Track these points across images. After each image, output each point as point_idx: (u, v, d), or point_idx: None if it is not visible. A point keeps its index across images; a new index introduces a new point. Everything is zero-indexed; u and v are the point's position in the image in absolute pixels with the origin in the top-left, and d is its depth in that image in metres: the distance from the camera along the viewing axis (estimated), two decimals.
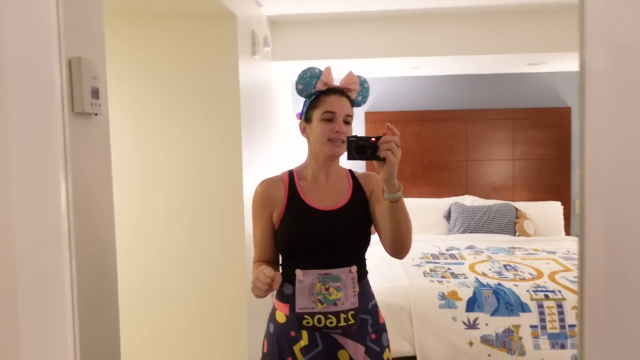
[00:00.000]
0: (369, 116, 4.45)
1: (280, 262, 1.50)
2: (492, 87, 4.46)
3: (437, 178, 4.44)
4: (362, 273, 1.47)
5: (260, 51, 3.08)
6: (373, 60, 3.65)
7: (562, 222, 4.17)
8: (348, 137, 1.28)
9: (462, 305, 2.57)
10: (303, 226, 1.41)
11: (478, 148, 4.43)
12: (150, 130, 2.55)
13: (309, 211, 1.42)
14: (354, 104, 1.51)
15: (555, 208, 4.22)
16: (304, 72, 1.47)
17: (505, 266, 3.05)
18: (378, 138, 1.24)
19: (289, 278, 1.42)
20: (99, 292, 1.14)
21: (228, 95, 2.53)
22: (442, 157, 4.41)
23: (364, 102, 1.55)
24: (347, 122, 1.44)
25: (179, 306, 2.58)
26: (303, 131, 1.50)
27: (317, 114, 1.44)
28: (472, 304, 2.57)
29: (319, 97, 1.45)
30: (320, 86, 1.46)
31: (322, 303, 1.36)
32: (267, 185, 1.48)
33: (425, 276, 2.89)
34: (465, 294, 2.62)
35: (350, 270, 1.39)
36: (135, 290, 2.58)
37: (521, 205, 4.20)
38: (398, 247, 1.36)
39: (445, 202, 4.26)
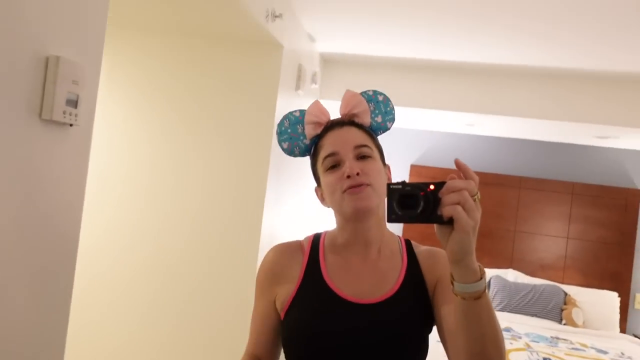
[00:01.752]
0: (415, 170, 4.20)
1: None
2: (552, 156, 4.12)
3: (479, 246, 4.00)
4: None
5: (306, 87, 2.94)
6: (426, 111, 3.44)
7: (617, 316, 3.68)
8: (389, 184, 0.76)
9: None
10: (319, 322, 0.94)
11: (529, 219, 4.06)
12: (172, 153, 2.42)
13: (332, 301, 0.95)
14: (376, 129, 1.06)
15: (611, 299, 3.74)
16: (280, 123, 1.04)
17: None
18: (440, 185, 0.74)
19: None
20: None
21: (261, 127, 2.38)
22: (487, 224, 4.05)
23: (390, 120, 1.06)
24: (363, 155, 0.97)
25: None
26: (322, 199, 1.05)
27: (320, 167, 1.01)
28: None
29: (317, 145, 1.03)
30: (311, 130, 1.03)
31: None
32: (281, 252, 1.04)
33: None
34: None
35: None
36: (133, 318, 2.39)
37: (571, 290, 3.75)
38: None
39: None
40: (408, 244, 1.05)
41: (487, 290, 0.77)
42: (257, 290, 1.05)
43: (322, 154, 1.00)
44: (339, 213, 1.00)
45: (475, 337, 0.78)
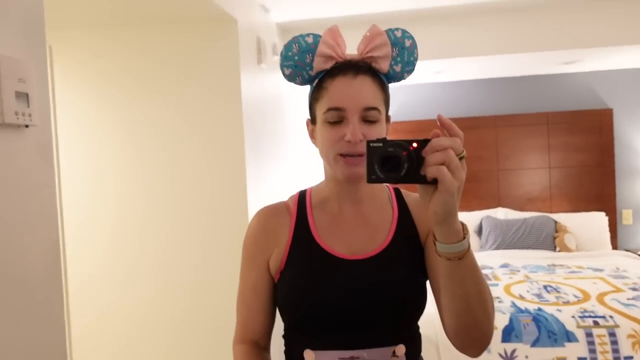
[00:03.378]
0: (391, 127, 4.09)
1: (283, 334, 0.99)
2: (522, 90, 4.13)
3: (465, 190, 4.06)
4: (415, 352, 0.94)
5: (268, 60, 2.88)
6: None
7: (607, 235, 3.78)
8: (368, 142, 0.72)
9: (497, 334, 2.26)
10: (314, 282, 0.90)
11: (510, 156, 4.10)
12: (141, 150, 2.36)
13: (325, 259, 0.92)
14: (390, 78, 0.95)
15: (599, 219, 3.83)
16: (288, 47, 0.92)
17: (545, 287, 2.72)
18: (423, 143, 0.70)
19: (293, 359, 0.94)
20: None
21: (229, 105, 2.33)
22: (470, 167, 4.02)
23: (409, 72, 0.95)
24: (370, 120, 0.89)
25: (182, 333, 2.36)
26: (312, 136, 0.98)
27: (319, 112, 0.92)
28: (509, 333, 2.26)
29: (322, 81, 0.92)
30: (320, 63, 0.91)
31: None
32: (266, 216, 0.98)
33: None
34: (501, 321, 2.30)
35: (394, 353, 0.89)
36: (133, 319, 2.37)
37: (560, 218, 3.83)
38: (466, 338, 0.83)
39: (475, 216, 3.92)
40: (397, 192, 1.01)
41: (471, 250, 0.75)
42: (245, 262, 0.99)
43: (327, 101, 0.90)
44: (328, 168, 0.95)
45: (459, 296, 0.77)
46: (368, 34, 0.93)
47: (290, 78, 0.95)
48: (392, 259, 0.92)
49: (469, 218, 3.90)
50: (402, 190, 1.02)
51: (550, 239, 3.67)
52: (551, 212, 3.99)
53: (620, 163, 4.00)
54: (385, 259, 0.91)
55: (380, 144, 0.71)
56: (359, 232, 0.95)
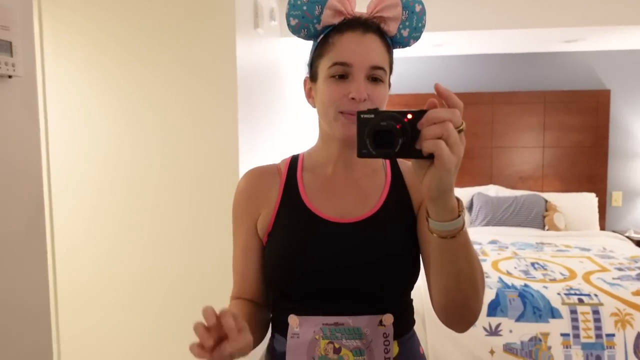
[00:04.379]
0: (388, 99, 4.13)
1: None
2: (521, 68, 4.09)
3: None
4: (404, 324, 0.92)
5: (265, 25, 2.81)
6: None
7: (596, 216, 3.81)
8: (359, 113, 0.67)
9: (483, 308, 2.27)
10: (301, 245, 0.88)
11: (505, 134, 4.09)
12: (135, 105, 2.31)
13: (312, 221, 0.89)
14: (396, 42, 0.93)
15: (589, 200, 3.86)
16: None
17: (533, 264, 2.74)
18: (419, 114, 0.65)
19: (280, 327, 0.92)
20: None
21: (224, 71, 2.27)
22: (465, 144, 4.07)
23: (415, 38, 0.93)
24: (376, 78, 0.86)
25: (168, 308, 2.36)
26: (309, 95, 0.95)
27: (323, 67, 0.88)
28: (495, 308, 2.29)
29: (329, 37, 0.88)
30: (329, 17, 0.88)
31: None
32: (254, 177, 0.96)
33: None
34: (487, 295, 2.33)
35: (381, 321, 0.86)
36: (123, 279, 2.37)
37: (551, 197, 3.85)
38: (454, 314, 0.81)
39: (467, 192, 3.94)
40: (393, 160, 0.98)
41: (465, 228, 0.71)
42: (235, 222, 0.97)
43: (334, 56, 0.86)
44: (326, 127, 0.91)
45: (449, 274, 0.74)
46: None
47: (295, 30, 0.91)
48: (382, 223, 0.89)
49: (460, 194, 3.89)
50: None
51: (540, 218, 3.69)
52: (542, 191, 4.00)
53: (614, 145, 4.00)
54: (375, 223, 0.89)
55: (372, 116, 0.66)
56: (350, 196, 0.92)
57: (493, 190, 3.96)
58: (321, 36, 0.90)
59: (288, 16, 0.90)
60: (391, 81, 0.93)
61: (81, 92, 2.33)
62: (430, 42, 3.58)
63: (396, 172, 0.96)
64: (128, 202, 2.34)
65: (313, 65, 0.92)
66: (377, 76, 0.86)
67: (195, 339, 0.67)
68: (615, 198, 4.04)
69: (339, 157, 0.93)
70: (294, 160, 0.98)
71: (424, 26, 0.92)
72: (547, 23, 3.12)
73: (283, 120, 3.28)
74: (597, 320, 2.23)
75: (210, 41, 2.26)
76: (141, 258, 2.36)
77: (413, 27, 0.90)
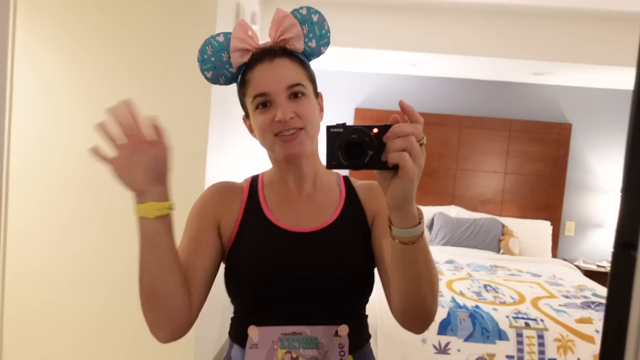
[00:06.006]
0: (360, 113, 4.19)
1: (232, 316, 1.00)
2: (491, 95, 4.22)
3: (422, 185, 4.19)
4: (359, 336, 0.95)
5: None
6: (369, 51, 3.40)
7: (549, 244, 3.96)
8: (329, 127, 0.71)
9: (434, 326, 2.34)
10: (260, 254, 0.91)
11: (470, 157, 4.20)
12: (101, 97, 2.26)
13: (272, 231, 0.93)
14: (309, 55, 0.97)
15: (544, 228, 4.00)
16: (202, 50, 0.94)
17: (485, 286, 2.82)
18: (384, 128, 0.70)
19: (240, 338, 0.93)
20: None
21: (198, 72, 2.26)
22: (430, 163, 4.16)
23: (325, 45, 0.97)
24: (297, 93, 0.90)
25: (117, 298, 2.32)
26: (250, 130, 0.99)
27: (248, 103, 0.94)
28: (445, 327, 2.34)
29: (245, 75, 0.93)
30: (237, 58, 0.93)
31: None
32: (220, 189, 0.99)
33: None
34: (439, 314, 2.38)
35: (336, 332, 0.89)
36: (68, 276, 2.31)
37: (508, 222, 3.98)
38: (413, 316, 0.84)
39: (429, 211, 4.02)
40: (346, 179, 1.04)
41: (424, 233, 0.76)
42: (195, 215, 0.96)
43: (251, 90, 0.91)
44: (270, 153, 0.97)
45: (410, 277, 0.78)
46: (274, 18, 0.94)
47: (213, 81, 0.96)
48: (338, 233, 0.94)
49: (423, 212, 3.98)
50: (350, 178, 1.04)
51: (496, 241, 3.80)
52: (501, 215, 4.13)
53: (571, 177, 4.17)
54: (331, 232, 0.93)
55: (341, 130, 0.70)
56: (307, 208, 0.97)
57: (454, 211, 4.05)
58: (239, 77, 0.95)
59: (202, 71, 0.95)
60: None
61: (48, 80, 2.28)
62: (406, 61, 3.66)
63: (350, 189, 1.01)
64: (84, 192, 2.29)
65: (243, 105, 0.97)
66: (297, 92, 0.90)
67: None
68: (569, 227, 4.20)
69: (289, 175, 0.98)
70: (254, 179, 1.03)
71: (328, 31, 0.97)
72: (518, 54, 3.24)
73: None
74: (542, 344, 2.32)
75: (189, 41, 2.25)
76: (94, 248, 2.30)
77: (318, 36, 0.95)
